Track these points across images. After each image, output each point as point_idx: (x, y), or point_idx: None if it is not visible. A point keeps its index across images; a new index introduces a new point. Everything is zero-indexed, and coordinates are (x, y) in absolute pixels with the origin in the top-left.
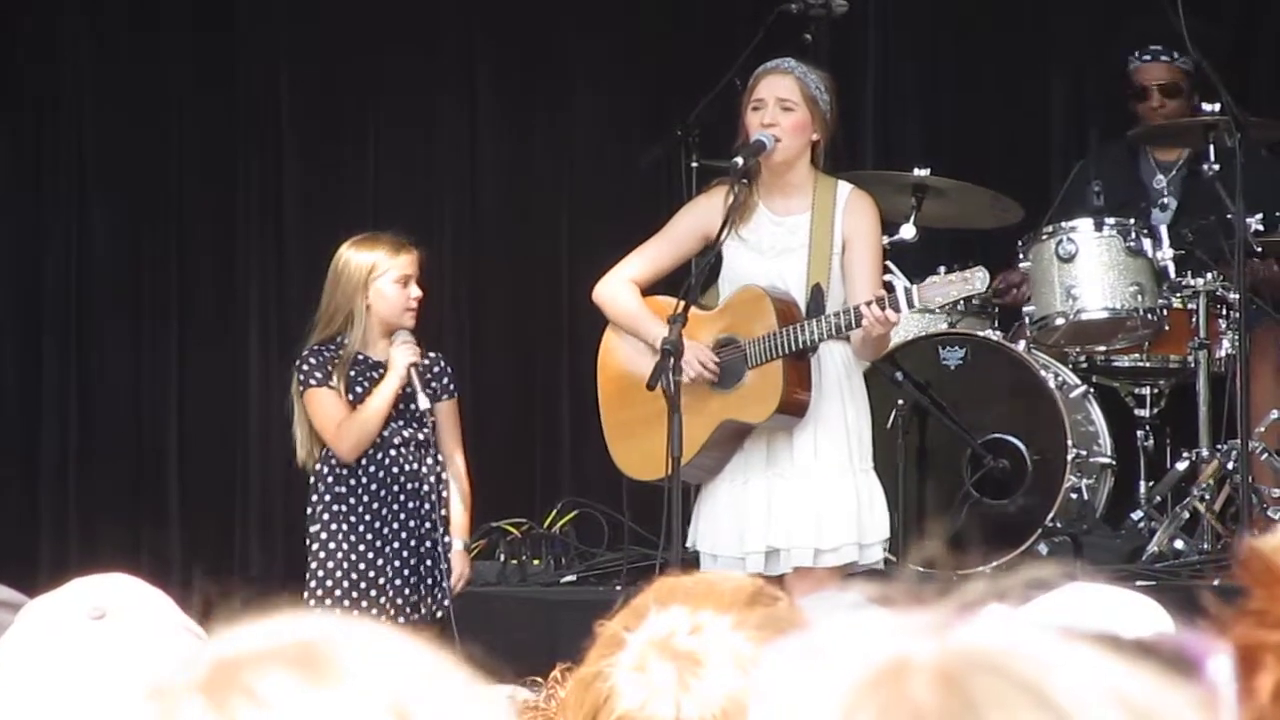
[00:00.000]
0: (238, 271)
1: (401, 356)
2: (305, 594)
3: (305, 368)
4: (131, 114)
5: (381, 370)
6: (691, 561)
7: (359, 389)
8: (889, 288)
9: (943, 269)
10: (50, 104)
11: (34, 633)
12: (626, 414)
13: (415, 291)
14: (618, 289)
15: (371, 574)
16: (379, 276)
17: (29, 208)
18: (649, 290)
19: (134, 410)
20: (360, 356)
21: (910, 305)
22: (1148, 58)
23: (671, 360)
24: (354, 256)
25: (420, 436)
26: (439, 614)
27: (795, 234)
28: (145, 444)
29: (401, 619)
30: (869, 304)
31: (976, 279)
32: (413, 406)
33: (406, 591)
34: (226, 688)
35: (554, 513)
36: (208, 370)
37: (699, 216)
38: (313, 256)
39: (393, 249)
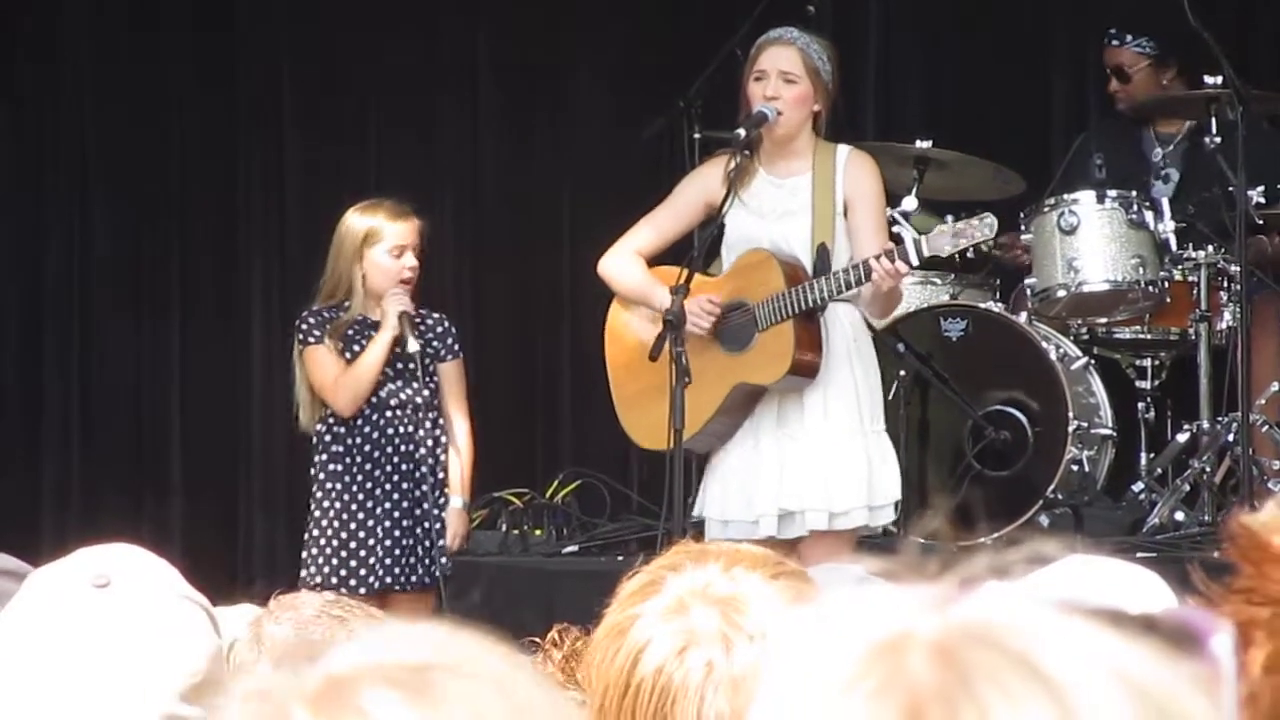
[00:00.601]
0: (239, 267)
1: (392, 306)
2: (303, 553)
3: (304, 327)
4: (132, 112)
5: (378, 328)
6: (695, 530)
7: (356, 347)
8: (897, 239)
9: (950, 218)
10: (51, 103)
11: (38, 600)
12: (636, 384)
13: (410, 261)
14: (622, 261)
15: (362, 534)
16: (374, 245)
17: (30, 205)
18: (655, 260)
19: (136, 387)
20: (360, 317)
21: (920, 255)
22: (1104, 40)
23: (675, 331)
24: (353, 223)
25: (419, 399)
26: (429, 580)
27: (796, 195)
28: (146, 419)
29: (389, 580)
30: (878, 257)
31: (985, 225)
32: (411, 366)
33: (396, 553)
34: (336, 704)
35: (556, 483)
36: (209, 357)
37: (702, 185)
38: (314, 250)
39: (390, 217)
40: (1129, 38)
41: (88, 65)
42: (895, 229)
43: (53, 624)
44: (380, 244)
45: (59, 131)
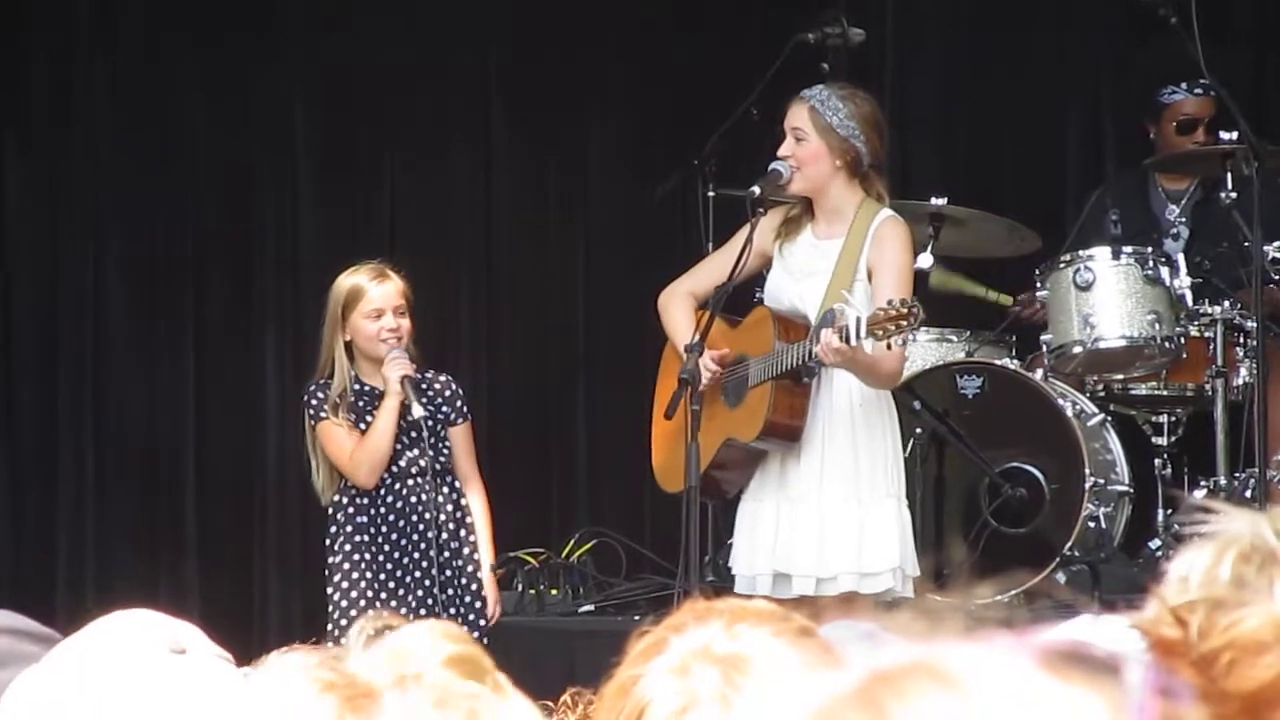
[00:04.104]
0: (254, 308)
1: (393, 371)
2: (328, 624)
3: (314, 402)
4: (146, 153)
5: (384, 396)
6: (709, 588)
7: (369, 419)
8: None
9: (889, 301)
10: (65, 141)
11: (116, 667)
12: (664, 425)
13: (388, 322)
14: (672, 300)
15: (393, 603)
16: (354, 309)
17: (46, 245)
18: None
19: (151, 444)
20: (367, 387)
21: (858, 336)
22: (1199, 91)
23: (689, 390)
24: (334, 290)
25: (436, 465)
26: None
27: (826, 258)
28: (163, 478)
29: None
30: (828, 330)
31: (912, 317)
32: (422, 432)
33: (427, 618)
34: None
35: (572, 542)
36: (225, 404)
37: (758, 235)
38: (329, 291)
39: (367, 279)
40: (1214, 90)
41: (102, 100)
42: (838, 305)
43: (139, 692)
44: (359, 307)
45: (74, 170)
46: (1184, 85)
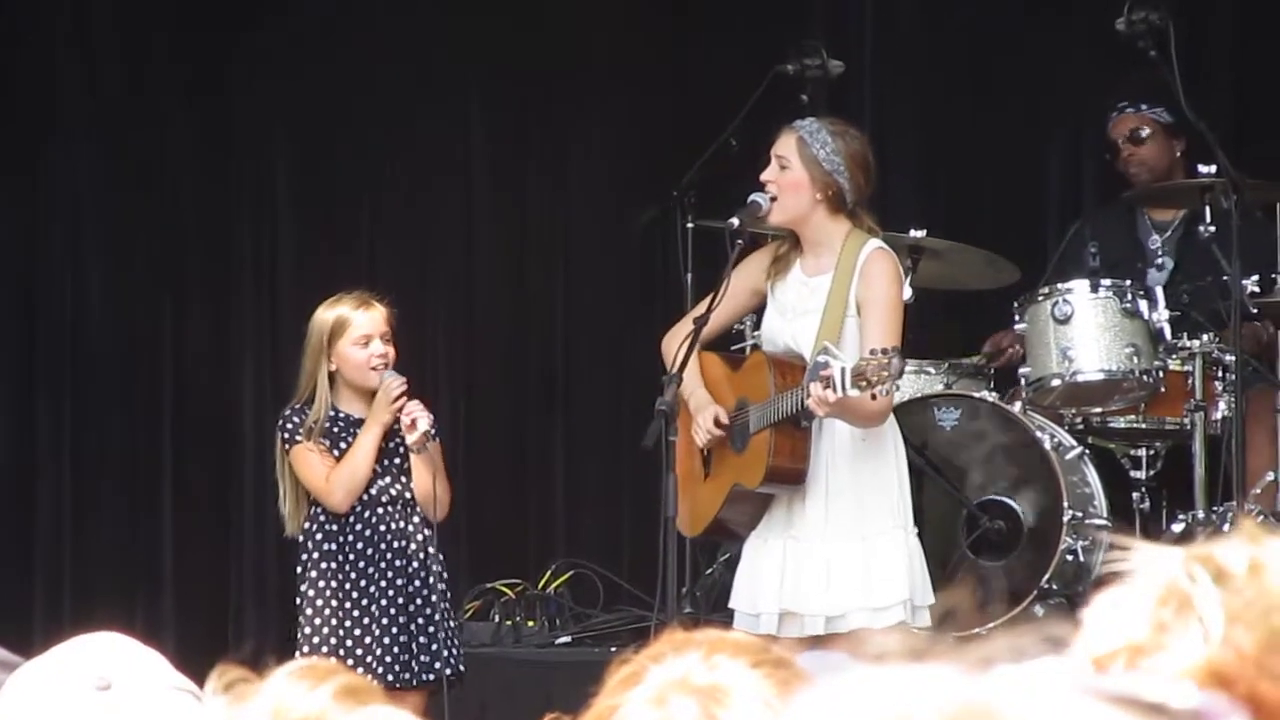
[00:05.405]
0: (232, 334)
1: (384, 395)
2: (296, 654)
3: (289, 426)
4: (127, 182)
5: (361, 425)
6: (687, 620)
7: (343, 445)
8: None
9: (872, 350)
10: (46, 169)
11: (38, 704)
12: (681, 470)
13: (377, 349)
14: (673, 342)
15: (358, 632)
16: (341, 337)
17: (25, 273)
18: (717, 341)
19: (130, 468)
20: (344, 415)
21: (844, 388)
22: (1114, 114)
23: (665, 422)
24: (317, 319)
25: (407, 494)
26: (429, 677)
27: (815, 295)
28: (139, 507)
29: (390, 678)
30: (816, 384)
31: (894, 368)
32: (399, 460)
33: (395, 650)
34: None
35: (549, 574)
36: (202, 428)
37: (750, 273)
38: (307, 321)
39: (353, 308)
40: (1144, 106)
41: (83, 131)
42: (822, 357)
43: None
44: (346, 335)
45: (54, 199)
46: (1115, 111)
